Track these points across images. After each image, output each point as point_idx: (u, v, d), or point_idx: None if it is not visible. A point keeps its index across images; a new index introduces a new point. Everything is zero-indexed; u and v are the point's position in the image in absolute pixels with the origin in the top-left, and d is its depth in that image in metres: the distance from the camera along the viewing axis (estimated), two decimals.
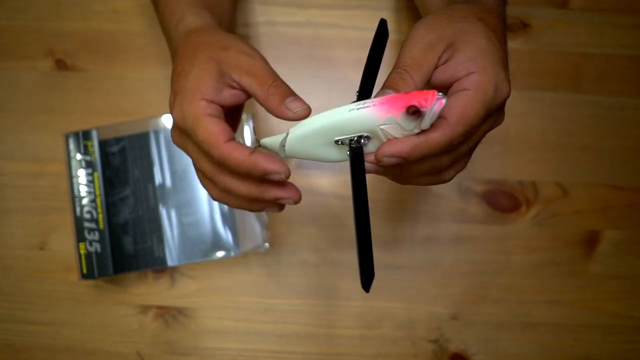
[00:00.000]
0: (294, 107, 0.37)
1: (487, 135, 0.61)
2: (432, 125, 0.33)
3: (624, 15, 0.63)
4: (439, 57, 0.36)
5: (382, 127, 0.33)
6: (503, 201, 0.61)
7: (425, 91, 0.31)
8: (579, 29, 0.63)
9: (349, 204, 0.61)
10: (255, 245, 0.58)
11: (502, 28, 0.39)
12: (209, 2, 0.48)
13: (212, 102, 0.38)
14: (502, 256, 0.60)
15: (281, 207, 0.42)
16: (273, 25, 0.63)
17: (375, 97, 0.35)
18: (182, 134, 0.40)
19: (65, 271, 0.59)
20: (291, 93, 0.38)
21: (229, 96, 0.39)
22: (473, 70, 0.35)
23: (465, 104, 0.34)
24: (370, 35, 0.38)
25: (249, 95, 0.40)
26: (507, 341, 0.59)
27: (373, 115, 0.33)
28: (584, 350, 0.59)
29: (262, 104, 0.38)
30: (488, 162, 0.61)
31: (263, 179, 0.37)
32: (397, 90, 0.35)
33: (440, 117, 0.34)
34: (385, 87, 0.35)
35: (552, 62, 0.62)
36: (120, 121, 0.60)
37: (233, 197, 0.40)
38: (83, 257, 0.57)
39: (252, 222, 0.58)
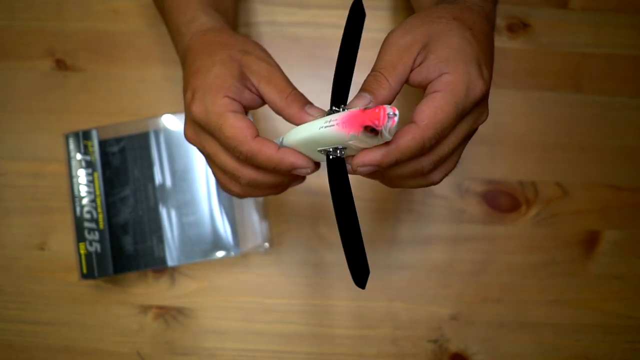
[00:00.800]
0: (314, 112, 0.38)
1: (487, 135, 0.61)
2: (403, 131, 0.35)
3: (624, 15, 0.63)
4: (414, 59, 0.36)
5: (349, 142, 0.34)
6: (503, 201, 0.61)
7: (377, 110, 0.32)
8: (579, 29, 0.63)
9: None
10: (255, 245, 0.58)
11: (483, 25, 0.39)
12: (216, 1, 0.48)
13: (234, 99, 0.38)
14: (502, 256, 0.60)
15: (303, 178, 0.44)
16: (274, 25, 0.63)
17: (350, 102, 0.36)
18: (200, 130, 0.40)
19: (65, 271, 0.59)
20: (308, 100, 0.39)
21: (248, 98, 0.40)
22: (444, 71, 0.35)
23: (435, 107, 0.35)
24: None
25: (263, 102, 0.40)
26: (507, 341, 0.59)
27: (339, 133, 0.34)
28: (584, 350, 0.59)
29: (279, 111, 0.39)
30: (488, 162, 0.61)
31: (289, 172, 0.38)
32: (372, 94, 0.36)
33: (412, 121, 0.35)
34: (362, 90, 0.36)
35: (552, 62, 0.62)
36: (120, 121, 0.60)
37: (256, 188, 0.41)
38: (83, 257, 0.57)
39: (252, 222, 0.58)
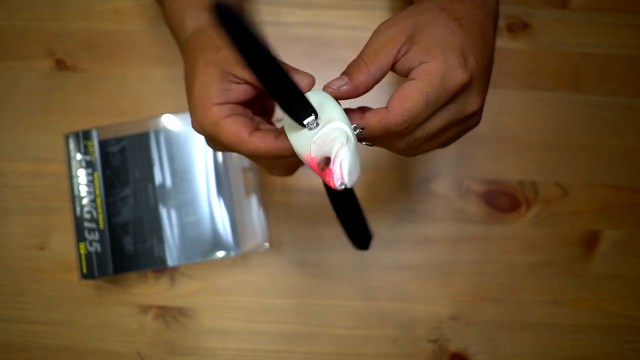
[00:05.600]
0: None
1: (487, 135, 0.61)
2: (374, 112, 0.36)
3: (624, 15, 0.63)
4: (398, 49, 0.37)
5: None
6: (503, 201, 0.61)
7: (329, 171, 0.35)
8: (579, 29, 0.63)
9: None
10: (255, 245, 0.58)
11: (476, 14, 0.39)
12: None
13: (223, 104, 0.39)
14: (502, 256, 0.60)
15: None
16: (275, 25, 0.63)
17: (329, 82, 0.37)
18: (210, 139, 0.41)
19: (65, 271, 0.59)
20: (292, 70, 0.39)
21: (238, 93, 0.39)
22: (423, 60, 0.36)
23: (404, 95, 0.35)
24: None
25: (255, 87, 0.40)
26: (507, 341, 0.59)
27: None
28: (584, 350, 0.59)
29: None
30: (488, 162, 0.61)
31: None
32: (350, 77, 0.37)
33: (387, 105, 0.36)
34: (343, 73, 0.37)
35: (552, 62, 0.62)
36: (120, 121, 0.60)
37: (290, 167, 0.44)
38: (83, 257, 0.57)
39: (252, 222, 0.58)
